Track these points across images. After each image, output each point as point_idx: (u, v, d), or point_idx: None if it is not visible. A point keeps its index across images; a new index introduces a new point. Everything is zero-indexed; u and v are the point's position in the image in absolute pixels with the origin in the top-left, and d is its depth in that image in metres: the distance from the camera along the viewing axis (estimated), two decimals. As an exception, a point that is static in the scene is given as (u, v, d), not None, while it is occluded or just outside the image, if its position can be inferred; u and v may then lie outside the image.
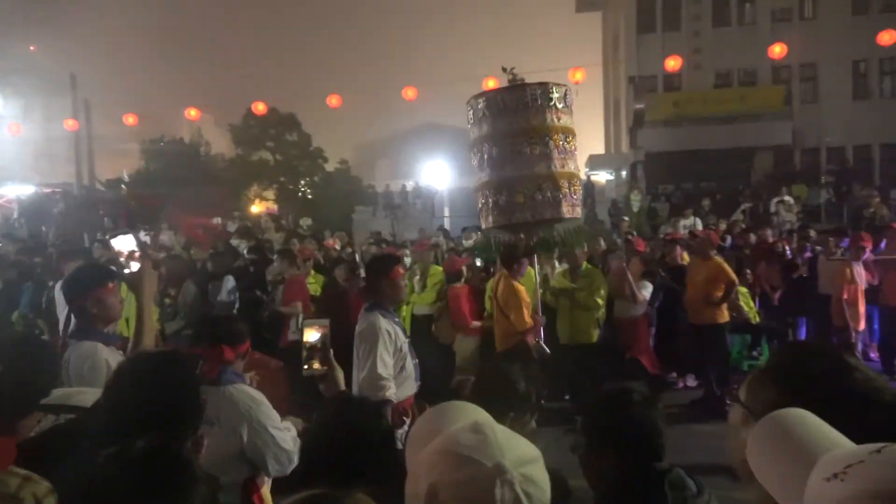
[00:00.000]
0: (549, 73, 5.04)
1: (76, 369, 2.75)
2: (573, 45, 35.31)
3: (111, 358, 2.74)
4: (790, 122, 23.44)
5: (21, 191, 20.96)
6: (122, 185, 23.58)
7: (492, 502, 0.94)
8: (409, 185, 26.27)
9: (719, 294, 6.90)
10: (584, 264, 6.86)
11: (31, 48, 36.03)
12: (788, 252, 9.18)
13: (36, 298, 7.34)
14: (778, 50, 15.70)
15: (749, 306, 7.99)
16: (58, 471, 1.68)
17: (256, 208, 27.98)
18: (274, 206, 28.90)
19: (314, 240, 11.89)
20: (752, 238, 10.22)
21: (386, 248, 10.05)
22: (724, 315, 7.03)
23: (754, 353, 8.58)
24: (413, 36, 66.86)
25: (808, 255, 8.96)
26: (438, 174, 26.40)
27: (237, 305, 7.59)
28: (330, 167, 30.63)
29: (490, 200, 4.88)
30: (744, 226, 12.39)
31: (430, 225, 18.72)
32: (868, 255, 7.83)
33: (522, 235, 5.14)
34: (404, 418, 3.62)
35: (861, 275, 7.65)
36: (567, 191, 4.71)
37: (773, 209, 15.82)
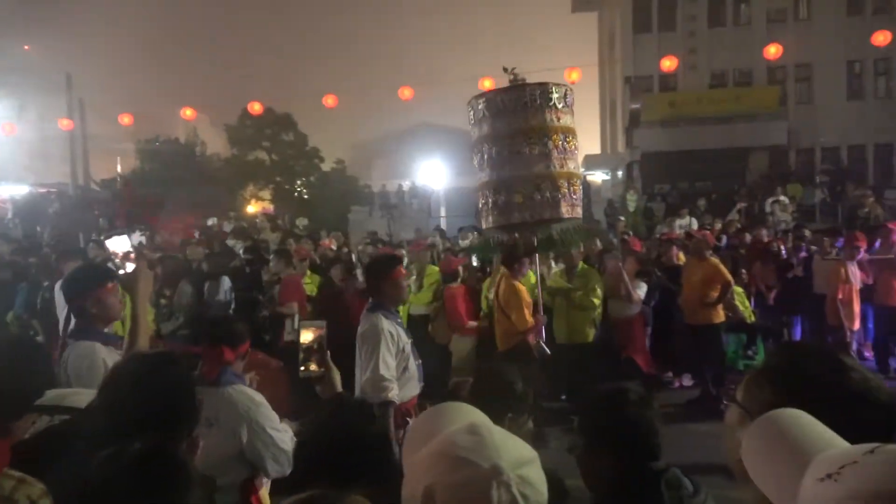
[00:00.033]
0: (545, 73, 5.05)
1: (75, 369, 2.76)
2: (569, 45, 35.38)
3: (109, 358, 2.74)
4: (785, 122, 23.52)
5: (15, 191, 20.88)
6: (120, 181, 23.48)
7: None
8: (406, 184, 26.28)
9: (715, 294, 6.92)
10: (581, 264, 6.87)
11: (26, 47, 35.91)
12: (783, 252, 9.21)
13: (31, 299, 7.31)
14: (773, 50, 15.75)
15: (744, 306, 8.01)
16: (52, 472, 1.67)
17: (252, 208, 27.92)
18: (270, 207, 28.84)
19: (310, 240, 11.89)
20: (748, 238, 10.25)
21: (382, 248, 10.05)
22: (720, 315, 7.05)
23: (750, 353, 8.60)
24: (409, 36, 66.86)
25: (803, 254, 8.99)
26: (435, 174, 26.44)
27: (233, 306, 7.57)
28: (326, 167, 30.59)
29: (489, 201, 4.89)
30: (739, 225, 12.44)
31: (427, 225, 18.74)
32: (862, 254, 7.86)
33: (518, 235, 5.14)
34: (407, 419, 3.61)
35: (856, 274, 7.68)
36: (566, 191, 4.71)
37: (768, 209, 15.87)
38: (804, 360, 1.23)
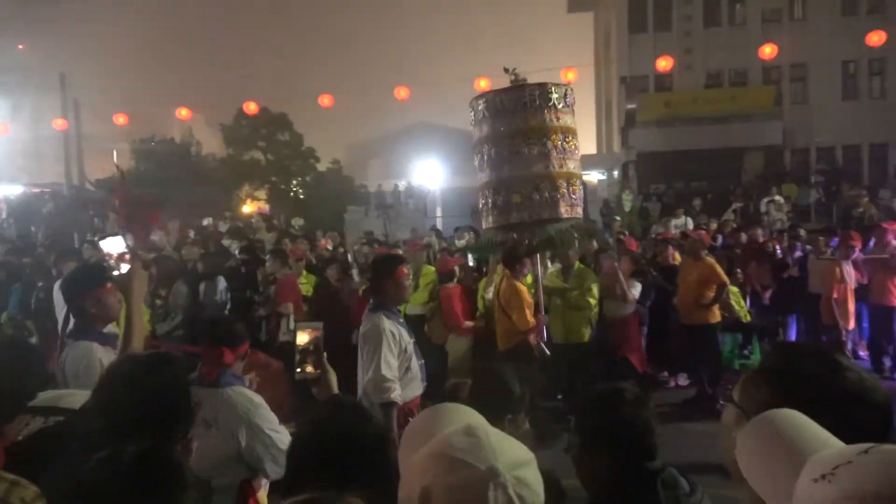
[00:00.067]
0: (541, 74, 5.06)
1: (72, 369, 2.76)
2: (565, 45, 35.46)
3: (105, 358, 2.74)
4: (780, 122, 23.59)
5: (9, 191, 20.81)
6: (117, 172, 23.38)
7: None
8: (402, 184, 26.27)
9: (711, 294, 6.94)
10: (577, 264, 6.88)
11: (20, 47, 35.75)
12: (779, 251, 9.24)
13: (25, 299, 7.28)
14: (768, 50, 15.79)
15: (740, 305, 8.03)
16: (46, 474, 1.66)
17: (248, 208, 27.86)
18: (265, 206, 28.78)
19: (306, 240, 11.87)
20: (743, 237, 10.28)
21: (378, 249, 10.03)
22: (716, 315, 7.07)
23: (745, 352, 8.63)
24: (405, 36, 66.84)
25: (798, 254, 9.02)
26: (431, 174, 26.40)
27: (229, 306, 7.56)
28: (322, 167, 30.54)
29: (489, 201, 4.89)
30: (735, 225, 12.45)
31: (423, 225, 18.73)
32: (857, 254, 7.89)
33: (515, 235, 5.14)
34: (410, 419, 3.59)
35: (850, 274, 7.71)
36: (565, 191, 4.71)
37: (763, 209, 15.91)
38: (800, 361, 1.23)
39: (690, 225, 13.10)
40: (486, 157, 4.86)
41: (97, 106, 24.99)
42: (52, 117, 21.01)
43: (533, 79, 5.05)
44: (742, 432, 1.03)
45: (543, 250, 5.63)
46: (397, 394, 3.61)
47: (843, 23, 22.98)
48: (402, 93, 16.54)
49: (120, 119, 18.73)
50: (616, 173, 25.54)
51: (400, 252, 9.27)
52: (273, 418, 2.60)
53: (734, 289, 7.85)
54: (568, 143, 4.74)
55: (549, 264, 7.43)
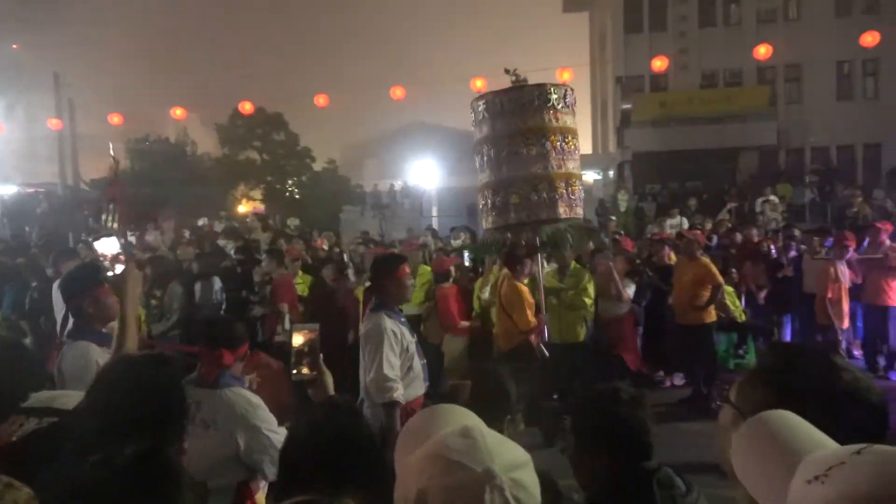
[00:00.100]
0: (536, 74, 5.05)
1: (70, 369, 2.76)
2: (560, 45, 35.45)
3: (102, 358, 2.75)
4: (775, 122, 23.65)
5: (3, 191, 20.70)
6: (112, 166, 23.28)
7: None
8: (398, 184, 26.24)
9: (706, 294, 6.95)
10: (573, 264, 6.88)
11: (14, 46, 35.58)
12: (774, 251, 9.26)
13: (19, 299, 7.25)
14: (763, 51, 15.85)
15: (735, 305, 8.06)
16: (40, 476, 1.65)
17: (243, 208, 27.80)
18: (261, 206, 28.72)
19: (301, 240, 11.85)
20: (738, 237, 10.30)
21: (374, 249, 10.02)
22: (712, 315, 7.08)
23: (740, 352, 8.65)
24: (401, 35, 66.79)
25: (792, 254, 9.05)
26: (426, 174, 26.36)
27: (224, 306, 7.54)
28: (317, 167, 30.50)
29: (488, 202, 4.90)
30: (730, 225, 12.49)
31: (419, 225, 18.71)
32: (851, 253, 7.92)
33: (510, 235, 5.15)
34: None
35: (845, 273, 7.73)
36: (563, 191, 4.72)
37: (758, 209, 15.95)
38: (796, 361, 1.24)
39: (686, 225, 13.11)
40: (485, 158, 4.87)
41: (92, 106, 24.91)
42: (46, 117, 20.93)
43: (528, 79, 5.06)
44: (737, 433, 1.03)
45: (545, 250, 5.65)
46: (400, 393, 3.59)
47: (838, 23, 23.06)
48: (397, 92, 16.55)
49: (115, 119, 18.68)
50: (611, 173, 25.58)
51: (395, 252, 9.29)
52: (272, 419, 2.60)
53: (729, 288, 7.87)
54: (567, 143, 4.75)
55: (545, 264, 7.44)
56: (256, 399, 2.63)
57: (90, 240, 9.40)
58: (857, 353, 8.41)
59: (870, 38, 15.01)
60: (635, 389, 1.96)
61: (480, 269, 7.77)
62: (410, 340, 3.81)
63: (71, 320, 3.05)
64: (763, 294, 8.68)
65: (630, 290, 7.31)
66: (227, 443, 2.50)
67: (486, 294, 6.99)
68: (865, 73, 24.23)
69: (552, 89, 4.75)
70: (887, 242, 8.07)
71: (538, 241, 5.12)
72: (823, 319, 7.73)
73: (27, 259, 8.76)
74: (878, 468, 0.80)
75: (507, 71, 4.97)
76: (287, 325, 6.98)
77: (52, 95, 21.48)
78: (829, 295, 7.60)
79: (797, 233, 9.87)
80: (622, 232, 11.52)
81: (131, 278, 2.83)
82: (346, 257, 9.70)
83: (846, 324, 7.83)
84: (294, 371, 2.18)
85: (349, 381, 3.73)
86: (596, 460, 1.82)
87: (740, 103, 23.41)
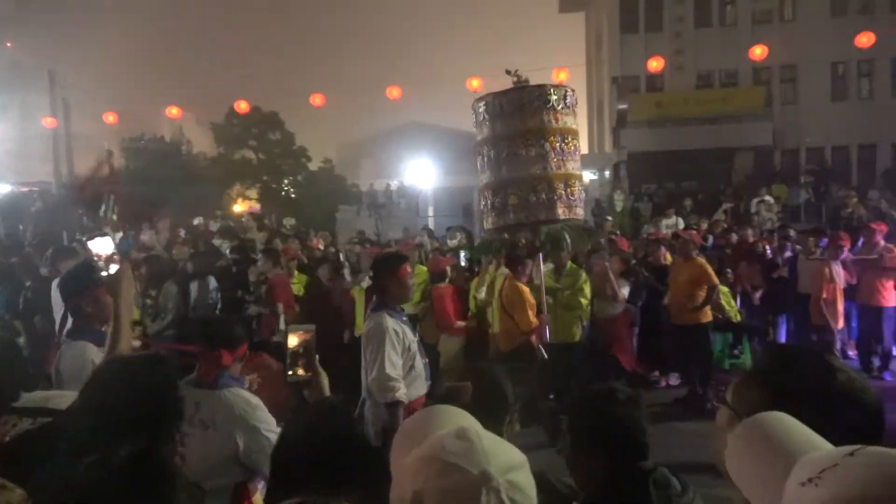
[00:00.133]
0: (532, 73, 5.03)
1: (68, 369, 2.76)
2: (556, 45, 35.48)
3: (98, 358, 2.75)
4: (770, 122, 23.73)
5: (-3, 189, 20.62)
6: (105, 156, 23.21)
7: None
8: (394, 184, 26.25)
9: (702, 294, 6.97)
10: (569, 264, 6.89)
11: (9, 44, 35.44)
12: (769, 252, 9.29)
13: (13, 299, 7.20)
14: (759, 51, 15.88)
15: (730, 305, 8.07)
16: (34, 477, 1.64)
17: (239, 207, 27.72)
18: (257, 206, 28.65)
19: (297, 239, 11.83)
20: (734, 238, 10.33)
21: (370, 248, 10.01)
22: (708, 315, 7.10)
23: (735, 352, 8.67)
24: (397, 35, 66.74)
25: (788, 254, 9.07)
26: (423, 173, 26.39)
27: (219, 306, 7.52)
28: (313, 166, 30.41)
29: (488, 203, 4.91)
30: (725, 225, 12.51)
31: (415, 224, 18.72)
32: (846, 254, 7.95)
33: (507, 236, 5.15)
34: None
35: (840, 274, 7.76)
36: (562, 192, 4.71)
37: (753, 209, 15.99)
38: (792, 363, 1.24)
39: (681, 225, 13.14)
40: (486, 160, 4.88)
41: (87, 104, 24.81)
42: (40, 115, 20.84)
43: (529, 79, 5.07)
44: (732, 435, 1.03)
45: (547, 249, 5.66)
46: (402, 392, 3.56)
47: (833, 24, 23.15)
48: (394, 92, 16.52)
49: (110, 118, 18.60)
50: (607, 173, 25.61)
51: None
52: (271, 420, 2.59)
53: (724, 289, 7.89)
54: (567, 144, 4.74)
55: (541, 264, 7.45)
56: (255, 400, 2.63)
57: (84, 239, 9.37)
58: (852, 353, 8.45)
59: (865, 39, 15.06)
60: (631, 390, 1.96)
61: (476, 269, 7.77)
62: (412, 340, 3.78)
63: (70, 320, 3.04)
64: (758, 294, 8.70)
65: (625, 291, 7.33)
66: (226, 443, 2.50)
67: (481, 294, 6.99)
68: (860, 73, 24.33)
69: (552, 90, 4.75)
70: (882, 243, 8.10)
71: (538, 242, 5.12)
72: (818, 320, 7.75)
73: (21, 258, 8.72)
74: (871, 470, 0.79)
75: (508, 72, 4.98)
76: (283, 326, 6.97)
77: (46, 94, 21.39)
78: (824, 295, 7.62)
79: (792, 233, 9.89)
80: (618, 232, 11.53)
81: (125, 279, 2.82)
82: (342, 257, 9.68)
83: (841, 324, 7.86)
84: (290, 372, 2.18)
85: (345, 382, 3.71)
86: (592, 460, 1.82)
87: (736, 104, 23.48)
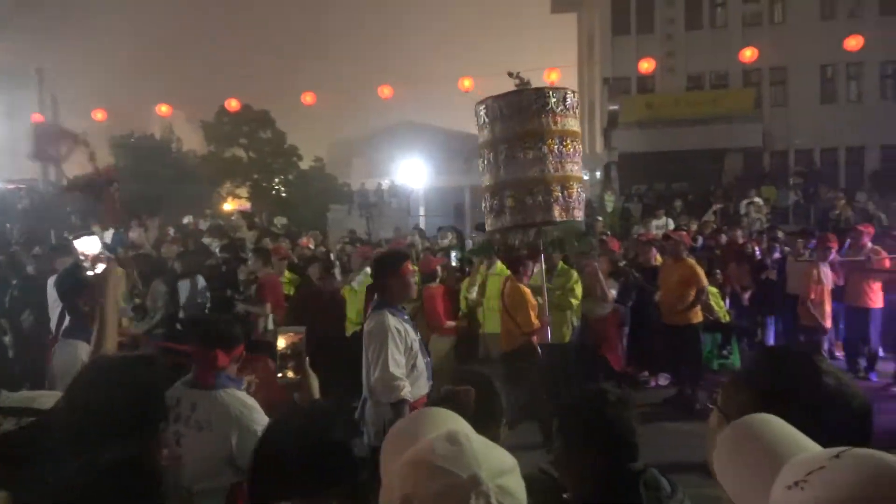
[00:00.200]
0: (524, 74, 5.03)
1: (59, 368, 2.74)
2: (548, 45, 35.53)
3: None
4: (760, 124, 23.89)
5: (-16, 187, 20.42)
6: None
7: None
8: (385, 183, 26.16)
9: (692, 294, 7.00)
10: (560, 264, 6.90)
11: (-4, 41, 35.06)
12: (758, 253, 9.34)
13: (-1, 297, 7.13)
14: (749, 54, 16.00)
15: (719, 306, 8.12)
16: (17, 477, 1.62)
17: (229, 206, 27.57)
18: (247, 204, 28.51)
19: (287, 238, 11.78)
20: (723, 239, 10.39)
21: (361, 247, 9.99)
22: (698, 315, 7.14)
23: (724, 353, 8.71)
24: (389, 34, 66.67)
25: (776, 255, 9.13)
26: (414, 173, 26.31)
27: (209, 305, 7.47)
28: (304, 165, 30.31)
29: (487, 204, 4.93)
30: (715, 226, 12.59)
31: (406, 224, 18.70)
32: (834, 255, 8.00)
33: (499, 237, 5.16)
34: None
35: (827, 275, 7.81)
36: (559, 194, 4.72)
37: (743, 210, 16.09)
38: (780, 364, 1.24)
39: (671, 226, 13.20)
40: (486, 162, 4.90)
41: (75, 102, 24.60)
42: (28, 113, 20.65)
43: (531, 82, 5.08)
44: (720, 437, 1.03)
45: (550, 253, 5.69)
46: (407, 391, 3.52)
47: (822, 27, 23.32)
48: (385, 91, 16.52)
49: (98, 115, 18.47)
50: (598, 174, 25.69)
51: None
52: (266, 421, 2.57)
53: (713, 289, 7.93)
54: (566, 146, 4.75)
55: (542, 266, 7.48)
56: (251, 401, 2.61)
57: (70, 238, 9.28)
58: (839, 354, 8.51)
59: (853, 42, 15.20)
60: (621, 391, 1.97)
61: (467, 270, 7.77)
62: (414, 338, 3.75)
63: (67, 318, 3.02)
64: (747, 295, 8.75)
65: (613, 291, 7.36)
66: (222, 444, 2.48)
67: (472, 294, 6.99)
68: (849, 76, 24.53)
69: (551, 93, 4.77)
70: (869, 245, 8.17)
71: (541, 244, 5.14)
72: (807, 321, 7.81)
73: (7, 256, 8.64)
74: (858, 472, 0.79)
75: (510, 74, 4.99)
76: (270, 326, 6.94)
77: (35, 91, 21.20)
78: (812, 296, 7.67)
79: (781, 234, 9.96)
80: (608, 232, 11.56)
81: (111, 279, 2.79)
82: (332, 256, 9.65)
83: (829, 325, 7.92)
84: (279, 374, 2.17)
85: (340, 382, 3.69)
86: (582, 461, 1.82)
87: (726, 105, 23.62)
